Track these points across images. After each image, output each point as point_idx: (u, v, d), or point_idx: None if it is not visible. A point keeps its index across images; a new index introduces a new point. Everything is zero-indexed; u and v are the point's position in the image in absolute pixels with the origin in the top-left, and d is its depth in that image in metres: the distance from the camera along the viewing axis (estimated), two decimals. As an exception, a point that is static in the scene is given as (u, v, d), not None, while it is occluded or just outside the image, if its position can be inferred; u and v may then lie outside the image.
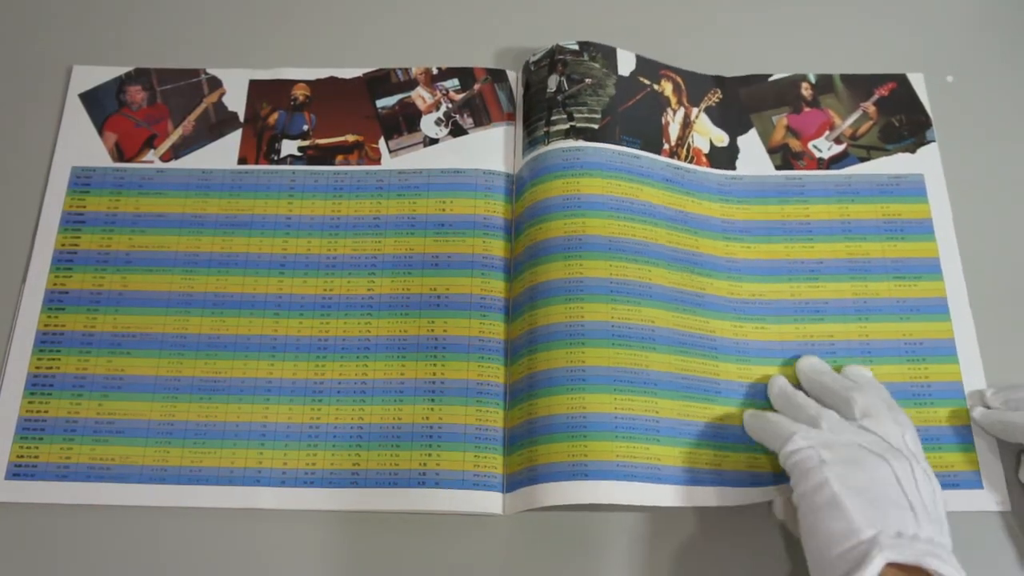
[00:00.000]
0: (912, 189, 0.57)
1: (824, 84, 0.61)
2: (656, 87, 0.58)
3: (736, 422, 0.51)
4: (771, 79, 0.61)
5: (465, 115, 0.59)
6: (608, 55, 0.58)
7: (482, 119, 0.59)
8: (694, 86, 0.60)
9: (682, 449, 0.49)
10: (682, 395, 0.51)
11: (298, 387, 0.52)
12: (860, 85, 0.60)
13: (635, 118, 0.57)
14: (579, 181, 0.54)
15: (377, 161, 0.58)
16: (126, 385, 0.53)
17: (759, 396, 0.52)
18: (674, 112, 0.58)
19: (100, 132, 0.59)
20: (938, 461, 0.50)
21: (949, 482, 0.50)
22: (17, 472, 0.51)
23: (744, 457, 0.50)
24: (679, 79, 0.59)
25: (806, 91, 0.60)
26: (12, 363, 0.53)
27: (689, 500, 0.48)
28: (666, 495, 0.48)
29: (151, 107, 0.60)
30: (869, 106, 0.60)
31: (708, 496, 0.49)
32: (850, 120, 0.59)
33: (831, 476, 0.42)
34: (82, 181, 0.57)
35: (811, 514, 0.42)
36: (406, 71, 0.61)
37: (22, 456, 0.51)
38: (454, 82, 0.60)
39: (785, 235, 0.56)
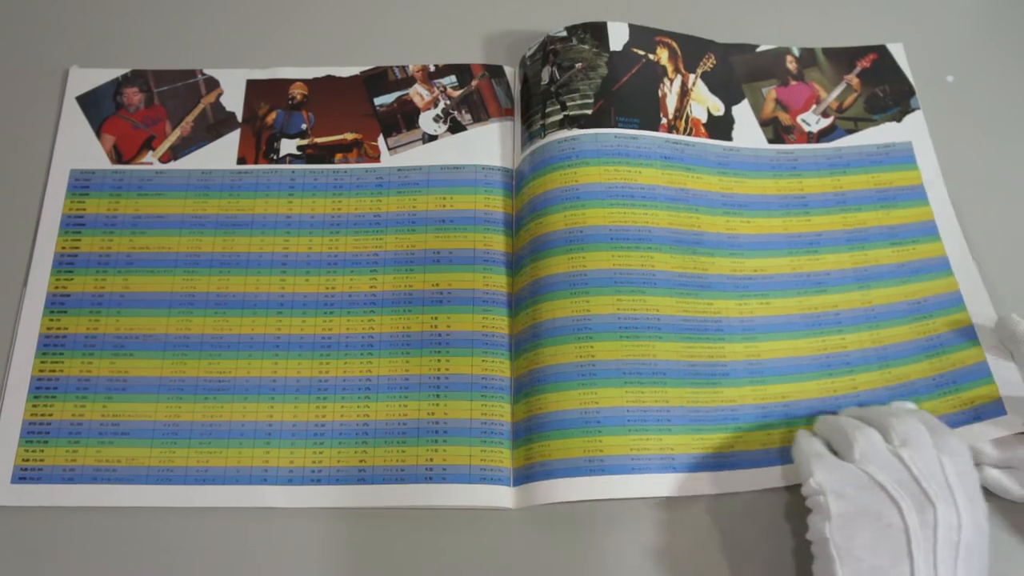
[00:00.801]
0: (901, 157, 0.58)
1: (808, 58, 0.62)
2: (651, 56, 0.58)
3: (746, 401, 0.51)
4: (758, 50, 0.62)
5: (463, 111, 0.59)
6: (598, 32, 0.58)
7: (480, 115, 0.59)
8: (689, 50, 0.60)
9: (694, 436, 0.50)
10: (690, 382, 0.51)
11: (303, 385, 0.52)
12: (842, 58, 0.61)
13: (630, 96, 0.57)
14: (576, 172, 0.55)
15: (376, 159, 0.58)
16: (130, 387, 0.53)
17: (768, 371, 0.52)
18: (671, 82, 0.58)
19: (98, 134, 0.59)
20: (957, 400, 0.51)
21: (971, 416, 0.50)
22: (23, 476, 0.51)
23: (756, 436, 0.50)
24: (674, 44, 0.60)
25: (791, 64, 0.61)
26: (15, 367, 0.53)
27: (703, 487, 0.49)
28: (681, 484, 0.49)
29: (148, 109, 0.60)
30: (852, 78, 0.61)
31: (722, 482, 0.49)
32: (835, 93, 0.60)
33: (834, 535, 0.42)
34: (81, 184, 0.57)
35: (816, 562, 0.43)
36: (403, 69, 0.61)
37: (27, 460, 0.51)
38: (451, 79, 0.60)
39: (782, 209, 0.57)
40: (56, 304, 0.54)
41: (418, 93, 0.60)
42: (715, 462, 0.49)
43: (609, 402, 0.50)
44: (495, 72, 0.61)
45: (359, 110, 0.60)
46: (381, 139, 0.59)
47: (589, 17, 0.60)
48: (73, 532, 0.50)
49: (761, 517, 0.49)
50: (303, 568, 0.49)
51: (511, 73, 0.61)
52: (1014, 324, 0.51)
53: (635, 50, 0.58)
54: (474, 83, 0.60)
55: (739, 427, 0.51)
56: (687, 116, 0.58)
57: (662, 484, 0.48)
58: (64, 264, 0.55)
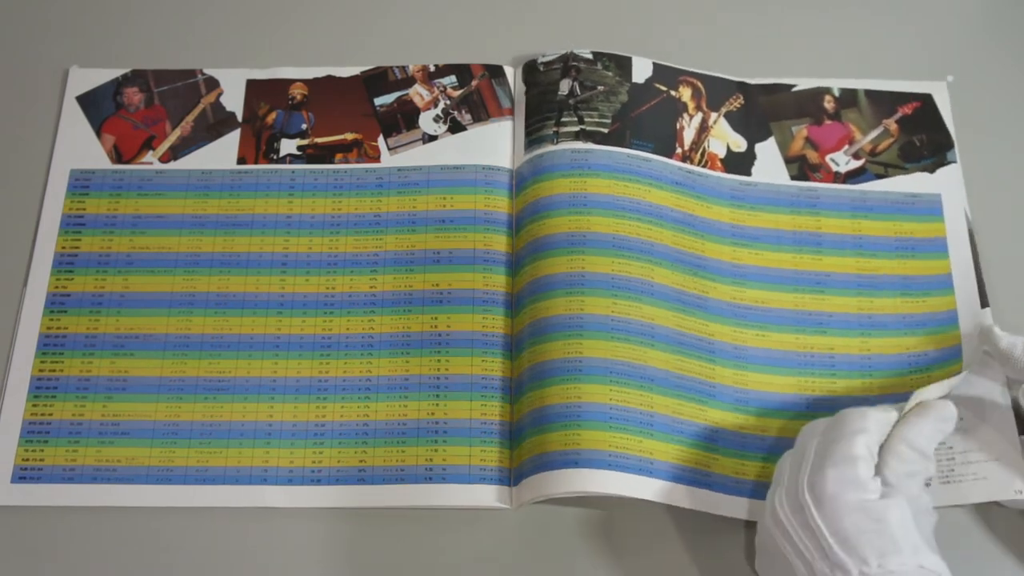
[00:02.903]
0: (928, 208, 0.56)
1: (848, 98, 0.59)
2: (673, 93, 0.58)
3: (727, 426, 0.51)
4: (794, 89, 0.60)
5: (463, 111, 0.59)
6: (623, 64, 0.58)
7: (480, 115, 0.59)
8: (715, 91, 0.59)
9: (674, 446, 0.50)
10: (676, 393, 0.51)
11: (303, 385, 0.52)
12: (884, 102, 0.59)
13: (647, 123, 0.57)
14: (586, 181, 0.55)
15: (376, 159, 0.58)
16: (130, 386, 0.53)
17: (752, 402, 0.52)
18: (690, 117, 0.58)
19: (98, 134, 0.59)
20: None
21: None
22: (23, 475, 0.51)
23: (731, 462, 0.50)
24: (699, 84, 0.59)
25: (829, 104, 0.59)
26: (15, 367, 0.53)
27: (680, 499, 0.48)
28: (657, 490, 0.48)
29: (149, 108, 0.60)
30: (891, 123, 0.59)
31: (699, 499, 0.49)
32: (871, 136, 0.58)
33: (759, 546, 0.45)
34: (81, 183, 0.57)
35: None
36: (403, 69, 0.61)
37: (27, 459, 0.51)
38: (451, 79, 0.61)
39: (795, 245, 0.56)
40: (56, 304, 0.54)
41: (418, 93, 0.60)
42: (693, 477, 0.49)
43: (592, 397, 0.49)
44: (495, 72, 0.61)
45: (359, 110, 0.60)
46: (381, 139, 0.59)
47: (596, 19, 0.59)
48: (73, 532, 0.50)
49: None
50: (303, 568, 0.49)
51: (511, 73, 0.61)
52: (996, 339, 0.48)
53: (657, 85, 0.58)
54: (474, 83, 0.60)
55: (716, 449, 0.50)
56: (704, 150, 0.57)
57: (640, 486, 0.48)
58: (64, 264, 0.55)
